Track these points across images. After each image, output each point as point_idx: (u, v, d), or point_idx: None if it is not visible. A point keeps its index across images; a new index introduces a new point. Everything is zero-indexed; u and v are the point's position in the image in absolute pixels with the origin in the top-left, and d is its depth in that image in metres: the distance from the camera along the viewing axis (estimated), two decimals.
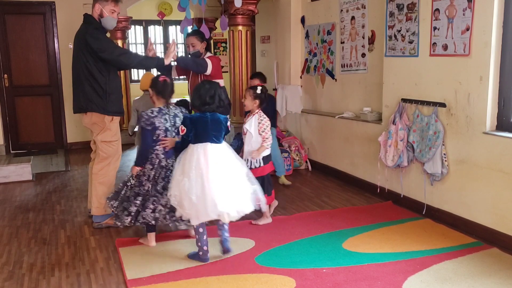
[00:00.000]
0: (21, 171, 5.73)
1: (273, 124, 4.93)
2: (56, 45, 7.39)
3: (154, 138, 3.45)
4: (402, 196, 4.39)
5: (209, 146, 3.17)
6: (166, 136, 3.47)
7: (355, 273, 3.08)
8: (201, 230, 3.25)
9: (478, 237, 3.61)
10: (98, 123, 3.91)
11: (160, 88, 3.53)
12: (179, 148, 3.34)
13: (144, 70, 4.51)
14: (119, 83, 4.10)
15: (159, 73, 4.25)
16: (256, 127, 3.93)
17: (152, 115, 3.43)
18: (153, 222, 3.45)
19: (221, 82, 4.58)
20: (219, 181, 3.09)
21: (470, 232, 3.70)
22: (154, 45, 4.31)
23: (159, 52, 11.88)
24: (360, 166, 5.03)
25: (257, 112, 3.99)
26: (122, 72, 8.00)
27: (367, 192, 4.85)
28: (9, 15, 7.12)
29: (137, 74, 11.51)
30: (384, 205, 4.47)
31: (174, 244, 3.61)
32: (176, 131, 3.49)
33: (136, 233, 3.90)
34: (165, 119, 3.48)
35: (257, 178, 3.47)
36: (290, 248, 3.52)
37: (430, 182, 4.06)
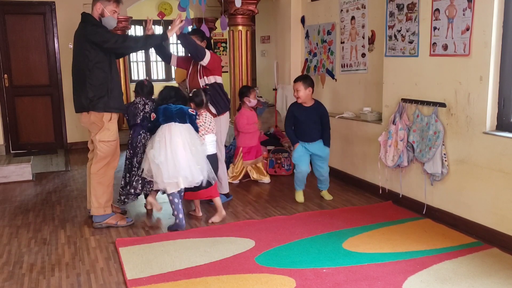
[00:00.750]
0: (21, 171, 5.73)
1: None
2: (56, 45, 7.39)
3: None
4: (401, 196, 4.39)
5: (173, 125, 3.85)
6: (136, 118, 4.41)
7: (355, 273, 3.08)
8: (176, 200, 3.89)
9: (478, 237, 3.61)
10: (97, 122, 3.91)
11: (138, 87, 4.58)
12: (152, 130, 4.01)
13: (153, 49, 4.56)
14: (119, 80, 4.11)
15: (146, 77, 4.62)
16: None
17: (127, 105, 4.51)
18: (139, 189, 4.24)
19: (220, 79, 4.58)
20: (179, 150, 3.76)
21: (470, 232, 3.70)
22: (152, 23, 4.33)
23: None
24: (360, 166, 5.03)
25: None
26: (122, 72, 8.02)
27: (367, 192, 4.85)
28: (9, 15, 7.12)
29: (136, 74, 11.52)
30: (384, 205, 4.47)
31: (174, 244, 3.61)
32: (148, 117, 4.34)
33: (136, 233, 3.90)
34: (135, 108, 4.43)
35: None
36: (290, 248, 3.52)
37: (430, 182, 4.06)
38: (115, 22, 4.00)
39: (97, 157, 3.96)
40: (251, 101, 5.27)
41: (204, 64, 4.40)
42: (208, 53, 4.41)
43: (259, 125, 5.45)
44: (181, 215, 3.93)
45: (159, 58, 11.80)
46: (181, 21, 4.13)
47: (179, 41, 4.47)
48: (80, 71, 3.90)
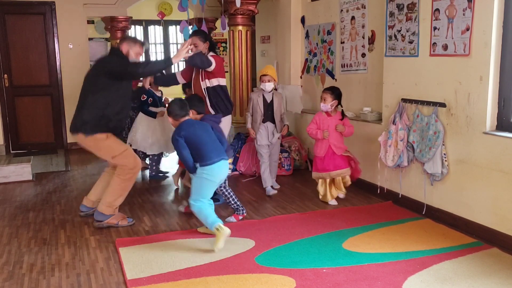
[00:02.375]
0: (21, 171, 5.72)
1: None
2: (56, 45, 7.38)
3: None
4: (400, 196, 4.39)
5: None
6: None
7: (355, 273, 3.08)
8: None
9: (478, 237, 3.61)
10: (92, 147, 3.96)
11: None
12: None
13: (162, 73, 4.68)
14: (124, 107, 4.05)
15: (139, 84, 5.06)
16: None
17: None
18: None
19: (223, 81, 4.58)
20: None
21: (470, 232, 3.70)
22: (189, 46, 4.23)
23: (159, 52, 11.89)
24: (360, 166, 5.02)
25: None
26: None
27: (367, 192, 4.84)
28: (9, 15, 7.12)
29: None
30: (384, 205, 4.47)
31: (174, 244, 3.61)
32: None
33: (136, 233, 3.90)
34: None
35: None
36: (290, 248, 3.52)
37: (430, 182, 4.06)
38: None
39: (125, 169, 3.95)
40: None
41: (211, 70, 4.41)
42: (213, 61, 4.41)
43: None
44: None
45: (159, 58, 11.92)
46: (188, 50, 4.09)
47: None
48: (84, 93, 3.93)
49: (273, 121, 4.93)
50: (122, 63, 3.90)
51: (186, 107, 3.73)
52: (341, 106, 4.60)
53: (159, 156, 5.69)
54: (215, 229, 3.46)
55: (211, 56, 4.51)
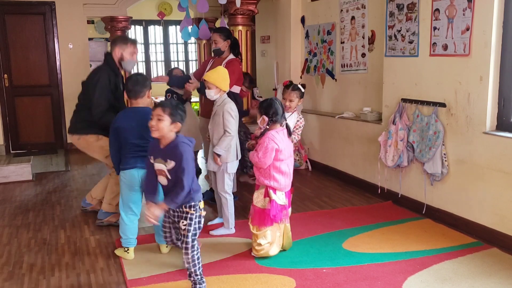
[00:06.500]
0: (21, 171, 5.72)
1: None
2: (56, 45, 7.38)
3: None
4: (400, 196, 4.39)
5: None
6: None
7: (355, 273, 3.08)
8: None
9: (478, 237, 3.61)
10: (85, 148, 4.08)
11: None
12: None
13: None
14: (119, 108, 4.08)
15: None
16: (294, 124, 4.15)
17: None
18: None
19: (235, 89, 4.39)
20: None
21: (470, 232, 3.70)
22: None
23: (159, 52, 11.88)
24: (360, 166, 5.03)
25: (295, 110, 4.20)
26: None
27: (367, 192, 4.84)
28: (9, 15, 7.11)
29: None
30: (384, 205, 4.47)
31: None
32: None
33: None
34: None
35: None
36: (290, 248, 3.52)
37: (430, 182, 4.06)
38: (134, 64, 4.13)
39: None
40: None
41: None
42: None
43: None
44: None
45: (159, 58, 11.92)
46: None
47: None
48: (78, 96, 4.08)
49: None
50: (98, 111, 3.86)
51: None
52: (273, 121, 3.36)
53: None
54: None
55: (227, 65, 4.28)
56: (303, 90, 4.21)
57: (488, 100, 3.52)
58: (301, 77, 6.27)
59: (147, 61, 11.65)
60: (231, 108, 3.63)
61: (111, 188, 4.05)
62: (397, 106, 4.29)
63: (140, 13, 10.62)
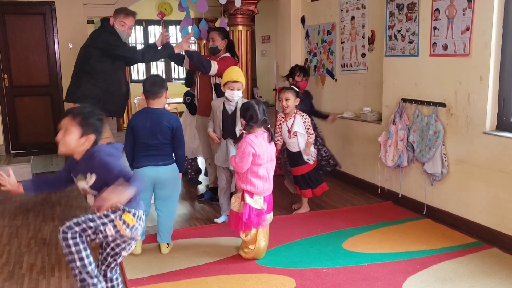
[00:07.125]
0: (21, 171, 5.71)
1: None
2: (56, 45, 7.38)
3: None
4: (400, 196, 4.39)
5: None
6: None
7: (355, 273, 3.08)
8: None
9: (478, 237, 3.61)
10: None
11: None
12: None
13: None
14: (120, 86, 4.12)
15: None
16: (303, 126, 4.09)
17: None
18: None
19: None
20: None
21: (470, 232, 3.70)
22: (168, 33, 4.46)
23: None
24: (360, 166, 5.03)
25: (296, 112, 4.14)
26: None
27: (367, 192, 4.84)
28: (9, 15, 7.11)
29: (136, 74, 11.52)
30: (384, 205, 4.47)
31: (174, 244, 3.61)
32: None
33: None
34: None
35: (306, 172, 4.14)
36: (290, 248, 3.52)
37: (430, 182, 4.06)
38: (125, 36, 4.13)
39: None
40: None
41: (212, 75, 4.31)
42: (214, 66, 4.24)
43: None
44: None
45: None
46: (189, 44, 4.33)
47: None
48: (80, 67, 4.07)
49: (235, 138, 3.81)
50: (128, 48, 4.07)
51: None
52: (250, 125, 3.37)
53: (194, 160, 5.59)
54: None
55: (221, 58, 4.37)
56: (296, 89, 4.22)
57: (488, 100, 3.52)
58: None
59: None
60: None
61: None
62: (397, 106, 4.29)
63: (140, 13, 10.60)
